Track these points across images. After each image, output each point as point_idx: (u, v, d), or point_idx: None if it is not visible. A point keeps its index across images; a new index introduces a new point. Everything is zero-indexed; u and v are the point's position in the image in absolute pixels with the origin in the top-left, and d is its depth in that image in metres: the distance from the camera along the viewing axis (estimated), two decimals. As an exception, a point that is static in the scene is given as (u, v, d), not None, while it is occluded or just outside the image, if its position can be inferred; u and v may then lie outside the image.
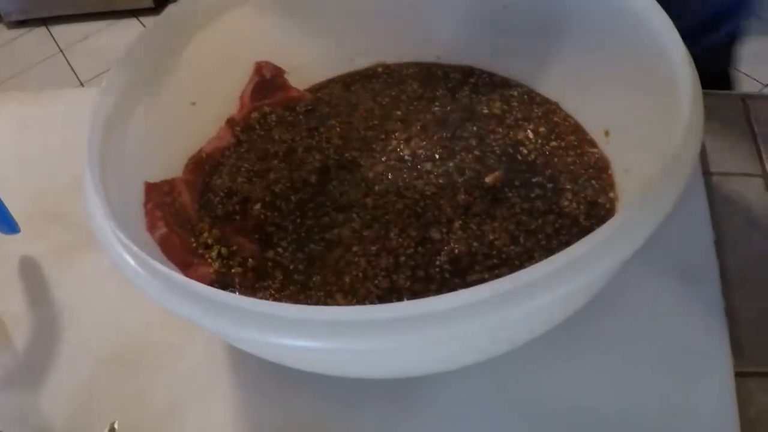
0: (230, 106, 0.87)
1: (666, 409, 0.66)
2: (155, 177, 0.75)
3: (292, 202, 0.78)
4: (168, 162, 0.79)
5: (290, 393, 0.70)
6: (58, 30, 3.76)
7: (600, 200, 0.74)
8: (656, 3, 0.68)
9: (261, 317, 0.51)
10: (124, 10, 3.67)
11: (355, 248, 0.73)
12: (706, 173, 0.84)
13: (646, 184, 0.55)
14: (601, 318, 0.70)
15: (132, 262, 0.57)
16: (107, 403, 0.71)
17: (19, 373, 0.77)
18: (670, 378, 0.68)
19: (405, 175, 0.79)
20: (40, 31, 3.79)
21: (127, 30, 3.64)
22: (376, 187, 0.78)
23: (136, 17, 3.68)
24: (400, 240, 0.73)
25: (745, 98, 0.95)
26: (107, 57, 3.46)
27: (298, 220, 0.76)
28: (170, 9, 0.79)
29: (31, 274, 0.86)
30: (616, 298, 0.71)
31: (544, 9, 0.81)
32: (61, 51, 3.63)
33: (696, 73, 0.62)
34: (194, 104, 0.82)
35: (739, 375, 0.68)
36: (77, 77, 3.43)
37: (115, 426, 0.67)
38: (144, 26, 3.50)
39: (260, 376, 0.72)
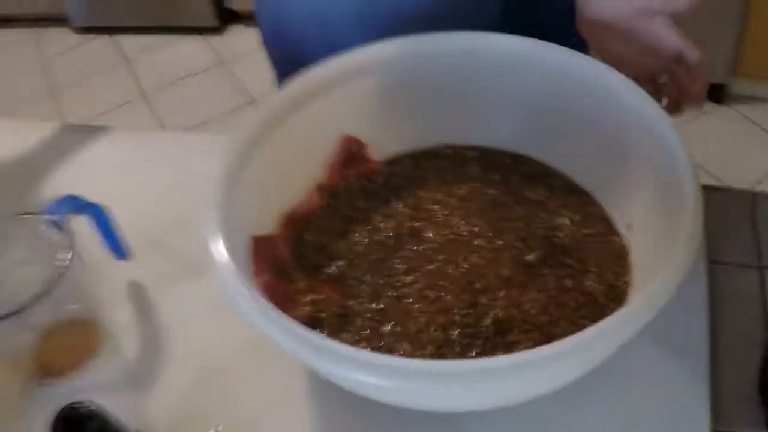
0: (319, 173, 1.02)
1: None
2: (255, 231, 0.91)
3: (369, 261, 0.94)
4: (263, 219, 0.94)
5: (354, 416, 0.87)
6: (123, 40, 3.88)
7: (618, 283, 0.90)
8: (673, 127, 0.84)
9: (345, 358, 0.69)
10: (188, 27, 3.79)
11: (418, 305, 0.89)
12: (710, 261, 0.99)
13: (648, 285, 0.72)
14: (608, 383, 0.86)
15: (254, 306, 0.74)
16: (203, 410, 0.87)
17: (127, 379, 0.93)
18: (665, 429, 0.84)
19: (462, 248, 0.95)
20: (104, 40, 3.92)
21: (191, 46, 3.76)
22: (439, 256, 0.94)
23: (200, 34, 3.81)
24: (454, 302, 0.89)
25: (755, 195, 1.10)
26: (169, 71, 3.60)
27: (374, 278, 0.93)
28: (292, 84, 0.96)
29: (137, 295, 1.03)
30: (622, 368, 0.86)
31: (589, 117, 0.97)
32: (125, 61, 3.75)
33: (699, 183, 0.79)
34: (291, 170, 0.98)
35: (714, 433, 0.84)
36: (139, 87, 3.56)
37: (220, 429, 0.83)
38: (208, 44, 3.66)
39: (331, 399, 0.89)
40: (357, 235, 0.98)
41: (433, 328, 0.86)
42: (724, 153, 2.97)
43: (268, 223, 0.94)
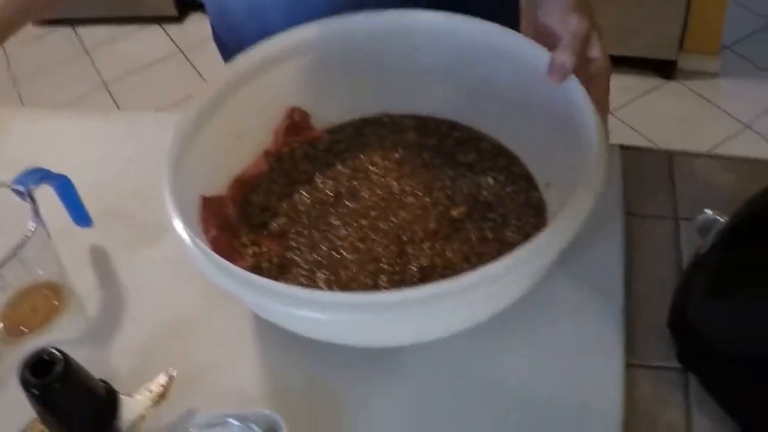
0: (266, 140, 1.11)
1: (573, 385, 0.91)
2: (206, 192, 0.99)
3: (309, 218, 1.03)
4: (215, 181, 1.03)
5: (297, 356, 0.96)
6: (84, 31, 3.92)
7: (534, 234, 0.98)
8: (588, 100, 0.92)
9: (284, 296, 0.78)
10: (148, 17, 3.84)
11: (351, 256, 0.98)
12: (628, 213, 1.08)
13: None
14: (531, 323, 0.95)
15: (202, 256, 0.83)
16: (161, 359, 0.95)
17: (90, 334, 1.01)
18: (578, 364, 0.93)
19: (393, 205, 1.04)
20: (66, 31, 3.95)
21: (150, 36, 3.80)
22: (372, 213, 1.03)
23: (160, 24, 3.85)
24: (383, 252, 0.98)
25: (671, 154, 1.19)
26: (130, 61, 3.65)
27: (312, 232, 1.01)
28: (236, 62, 1.04)
29: (100, 259, 1.10)
30: (544, 306, 0.95)
31: (513, 85, 1.06)
32: (86, 52, 3.80)
33: (606, 140, 0.88)
34: (239, 137, 1.06)
35: (628, 366, 0.93)
36: (101, 78, 3.60)
37: (173, 373, 0.90)
38: (167, 33, 3.72)
39: (277, 343, 0.98)
40: (299, 195, 1.06)
41: (363, 276, 0.95)
42: (674, 127, 3.07)
43: (220, 186, 1.03)
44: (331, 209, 1.04)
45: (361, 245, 0.99)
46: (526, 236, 0.99)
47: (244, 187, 1.06)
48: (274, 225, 1.02)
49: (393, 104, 1.16)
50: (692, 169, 1.16)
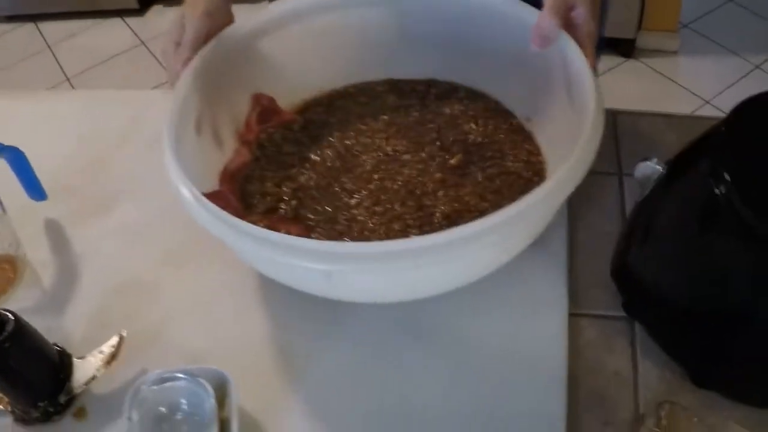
0: (239, 130, 1.11)
1: (521, 336, 0.94)
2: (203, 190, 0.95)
3: (316, 195, 1.04)
4: (207, 178, 1.02)
5: (245, 317, 0.99)
6: (46, 26, 3.90)
7: (532, 160, 1.04)
8: (579, 51, 0.95)
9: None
10: (109, 10, 3.83)
11: (371, 222, 0.99)
12: (570, 170, 1.10)
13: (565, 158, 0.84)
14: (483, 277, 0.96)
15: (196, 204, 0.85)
16: (114, 322, 0.97)
17: (46, 303, 1.03)
18: (525, 316, 0.96)
19: (393, 165, 1.06)
20: (28, 27, 3.93)
21: (112, 29, 3.80)
22: (375, 176, 1.05)
23: (121, 17, 3.85)
24: (403, 209, 1.00)
25: (615, 114, 1.21)
26: (92, 54, 3.64)
27: (325, 207, 1.02)
28: (200, 60, 1.02)
29: (53, 232, 1.12)
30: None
31: (491, 36, 1.08)
32: (49, 47, 3.79)
33: (601, 97, 0.91)
34: (215, 132, 1.05)
35: (572, 315, 0.95)
36: (64, 73, 3.60)
37: (123, 334, 0.92)
38: (128, 26, 3.72)
39: (225, 305, 1.01)
40: (298, 174, 1.07)
41: (393, 235, 0.97)
42: (634, 104, 3.07)
43: (211, 182, 1.03)
44: (334, 182, 1.05)
45: (378, 208, 1.01)
46: (526, 162, 1.04)
47: (235, 178, 1.06)
48: (285, 209, 1.03)
49: (359, 75, 1.19)
50: (636, 127, 1.19)
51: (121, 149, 1.06)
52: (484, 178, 1.03)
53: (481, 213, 0.97)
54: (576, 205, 1.07)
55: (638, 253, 0.94)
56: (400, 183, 1.03)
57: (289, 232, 0.95)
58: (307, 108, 1.17)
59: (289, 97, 1.15)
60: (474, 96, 1.14)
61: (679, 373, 0.90)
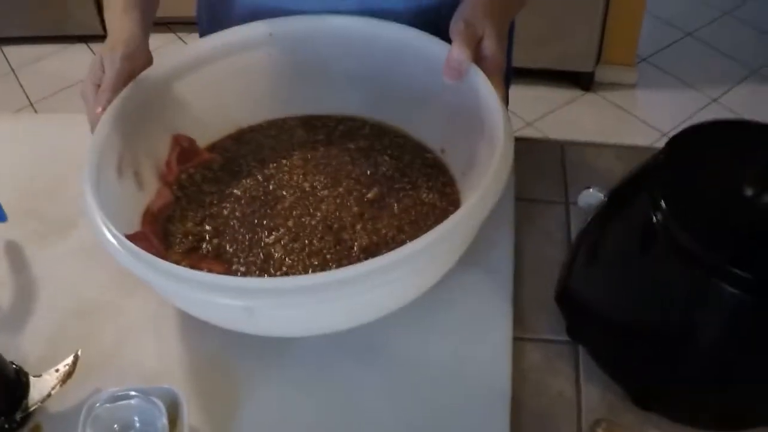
0: (160, 171, 1.11)
1: (465, 358, 0.97)
2: (125, 230, 0.96)
3: (236, 234, 1.05)
4: (129, 218, 1.03)
5: (197, 339, 1.01)
6: (10, 50, 3.89)
7: (447, 191, 1.07)
8: (487, 83, 0.98)
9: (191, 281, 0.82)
10: (74, 36, 3.84)
11: (289, 258, 1.01)
12: (518, 198, 1.14)
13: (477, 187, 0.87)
14: (426, 297, 0.97)
15: (116, 244, 0.87)
16: (70, 343, 0.98)
17: (3, 322, 1.05)
18: (470, 338, 0.99)
19: (311, 200, 1.08)
20: (-9, 50, 3.95)
21: (77, 54, 3.80)
22: (294, 212, 1.07)
23: (86, 43, 3.85)
24: (321, 244, 1.02)
25: (563, 145, 1.25)
26: (57, 79, 3.64)
27: (245, 246, 1.04)
28: (119, 101, 1.04)
29: (13, 253, 1.14)
30: (440, 287, 0.98)
31: (397, 72, 1.13)
32: (12, 70, 3.79)
33: (510, 126, 0.94)
34: (136, 173, 1.07)
35: (517, 339, 0.99)
36: (27, 97, 3.60)
37: (79, 353, 0.94)
38: (93, 52, 3.73)
39: (179, 327, 1.03)
40: (219, 213, 1.09)
41: (311, 271, 0.99)
42: (592, 137, 3.13)
43: (134, 223, 1.04)
44: (254, 220, 1.07)
45: (296, 245, 1.02)
46: (440, 193, 1.07)
47: (157, 219, 1.07)
48: (207, 247, 1.04)
49: (271, 111, 1.22)
50: (583, 157, 1.22)
51: (80, 172, 1.07)
52: (400, 211, 1.05)
53: (399, 244, 0.98)
54: (523, 233, 1.11)
55: (581, 277, 0.98)
56: (317, 218, 1.06)
57: (211, 271, 0.98)
58: (218, 145, 1.19)
59: (207, 135, 1.18)
60: (383, 131, 1.17)
61: (621, 394, 0.94)
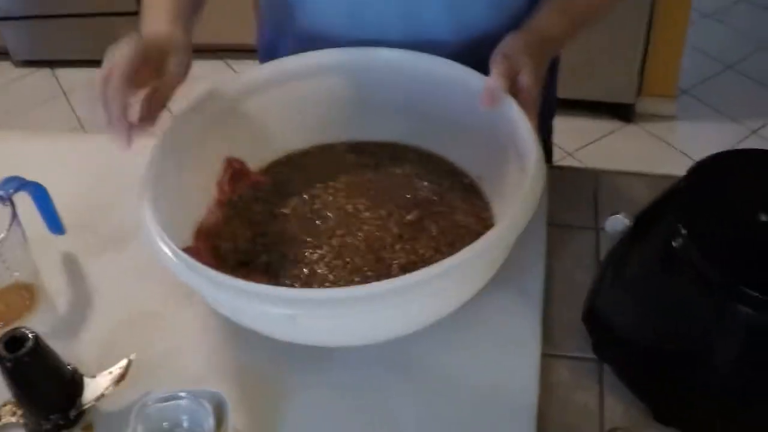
0: (212, 192, 1.19)
1: (495, 374, 1.02)
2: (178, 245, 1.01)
3: (283, 251, 1.11)
4: (181, 234, 1.09)
5: (244, 346, 1.07)
6: (62, 73, 4.00)
7: (483, 215, 1.13)
8: (522, 113, 1.05)
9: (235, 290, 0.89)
10: (124, 60, 3.92)
11: (332, 275, 1.07)
12: (551, 224, 1.19)
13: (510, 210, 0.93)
14: (461, 317, 1.03)
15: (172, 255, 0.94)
16: (123, 348, 1.03)
17: (60, 328, 1.11)
18: (500, 356, 1.04)
19: (353, 222, 1.14)
20: (44, 72, 4.03)
21: (127, 78, 3.88)
22: (337, 231, 1.13)
23: (135, 66, 3.93)
24: (362, 262, 1.08)
25: (598, 173, 1.30)
26: (107, 101, 3.71)
27: (291, 260, 1.10)
28: (178, 124, 1.12)
29: (70, 264, 1.20)
30: (472, 306, 1.03)
31: (458, 109, 1.17)
32: (64, 93, 3.87)
33: (542, 154, 1.00)
34: (193, 191, 1.15)
35: (546, 356, 1.03)
36: (78, 119, 3.68)
37: (132, 358, 1.00)
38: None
39: (227, 335, 1.09)
40: (267, 231, 1.15)
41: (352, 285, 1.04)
42: (631, 167, 3.16)
43: (185, 238, 1.10)
44: (300, 237, 1.13)
45: (337, 262, 1.08)
46: (476, 216, 1.13)
47: (209, 236, 1.14)
48: (255, 263, 1.10)
49: (330, 137, 1.28)
50: (616, 186, 1.27)
51: (136, 188, 1.13)
52: (438, 233, 1.11)
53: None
54: (554, 257, 1.16)
55: (607, 298, 1.02)
56: (359, 238, 1.11)
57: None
58: (271, 168, 1.25)
59: (257, 159, 1.24)
60: (426, 158, 1.24)
61: (643, 409, 0.97)
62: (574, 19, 1.21)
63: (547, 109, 1.40)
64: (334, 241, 1.11)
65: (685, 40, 3.26)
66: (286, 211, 1.17)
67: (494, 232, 0.91)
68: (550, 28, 1.17)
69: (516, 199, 0.94)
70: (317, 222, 1.15)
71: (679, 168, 0.98)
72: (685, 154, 3.25)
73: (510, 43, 1.11)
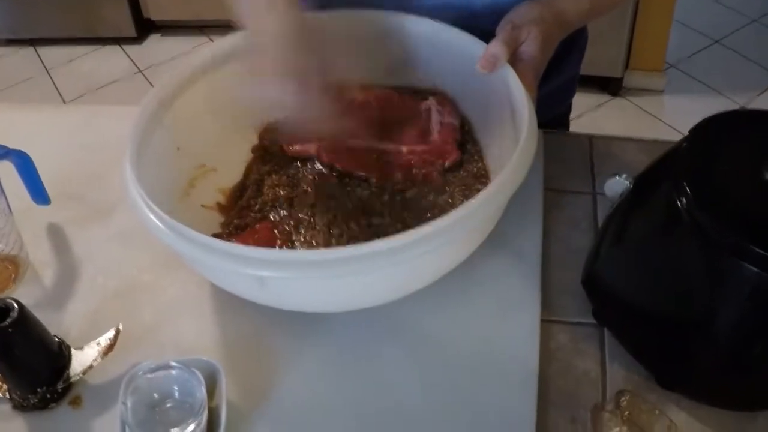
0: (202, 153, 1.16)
1: (496, 339, 1.00)
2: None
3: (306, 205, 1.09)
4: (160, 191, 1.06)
5: (233, 314, 1.05)
6: (45, 51, 3.97)
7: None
8: (522, 87, 1.01)
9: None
10: (108, 37, 3.89)
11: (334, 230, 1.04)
12: (547, 189, 1.17)
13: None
14: (459, 281, 1.02)
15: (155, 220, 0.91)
16: (110, 319, 1.01)
17: (46, 300, 1.08)
18: (500, 320, 1.02)
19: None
20: (27, 51, 4.00)
21: (110, 56, 3.86)
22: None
23: (119, 45, 3.91)
24: (357, 227, 1.04)
25: (591, 138, 1.28)
26: (90, 80, 3.70)
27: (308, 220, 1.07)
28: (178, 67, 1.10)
29: (55, 234, 1.17)
30: (470, 270, 1.02)
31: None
32: (47, 71, 3.85)
33: (535, 122, 0.97)
34: (179, 149, 1.12)
35: (545, 321, 1.01)
36: (61, 97, 3.65)
37: (120, 327, 0.98)
38: (126, 54, 3.78)
39: (216, 303, 1.07)
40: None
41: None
42: (619, 140, 3.17)
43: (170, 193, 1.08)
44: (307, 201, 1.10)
45: (334, 230, 1.05)
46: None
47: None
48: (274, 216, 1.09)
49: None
50: (610, 150, 1.25)
51: (120, 162, 1.11)
52: (422, 207, 1.09)
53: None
54: (551, 221, 1.14)
55: (607, 262, 1.00)
56: (356, 203, 1.09)
57: (259, 236, 1.04)
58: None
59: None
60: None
61: (644, 374, 0.96)
62: (594, 5, 1.21)
63: (567, 88, 1.48)
64: (332, 203, 1.09)
65: (673, 14, 3.25)
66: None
67: (489, 189, 0.88)
68: (569, 8, 1.15)
69: (510, 163, 0.91)
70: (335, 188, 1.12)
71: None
72: (673, 128, 3.25)
73: (522, 12, 1.10)
